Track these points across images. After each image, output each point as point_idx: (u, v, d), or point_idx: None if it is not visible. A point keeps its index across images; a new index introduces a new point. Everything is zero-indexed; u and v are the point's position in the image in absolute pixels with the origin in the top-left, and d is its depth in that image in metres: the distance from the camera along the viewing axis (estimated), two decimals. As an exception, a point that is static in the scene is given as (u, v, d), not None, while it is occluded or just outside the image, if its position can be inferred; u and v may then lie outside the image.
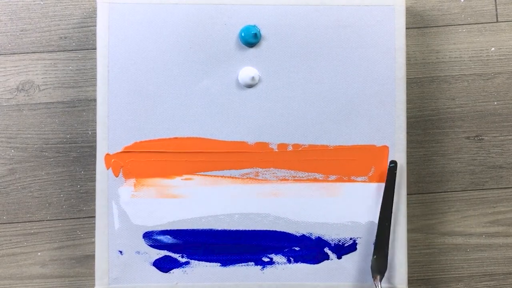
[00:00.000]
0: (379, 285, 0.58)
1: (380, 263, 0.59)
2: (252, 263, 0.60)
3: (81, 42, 0.63)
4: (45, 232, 0.63)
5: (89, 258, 0.63)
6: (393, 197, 0.59)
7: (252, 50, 0.60)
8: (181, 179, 0.59)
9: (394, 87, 0.60)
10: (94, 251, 0.59)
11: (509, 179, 0.64)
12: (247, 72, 0.59)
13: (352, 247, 0.60)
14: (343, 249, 0.60)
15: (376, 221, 0.59)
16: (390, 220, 0.59)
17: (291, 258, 0.60)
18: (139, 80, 0.59)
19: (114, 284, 0.59)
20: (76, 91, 0.63)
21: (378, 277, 0.58)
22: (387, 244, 0.59)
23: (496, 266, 0.64)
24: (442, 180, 0.64)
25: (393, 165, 0.59)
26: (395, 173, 0.59)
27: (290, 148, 0.60)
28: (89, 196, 0.63)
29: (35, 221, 0.63)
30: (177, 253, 0.59)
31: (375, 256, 0.59)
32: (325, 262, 0.60)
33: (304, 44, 0.60)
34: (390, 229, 0.59)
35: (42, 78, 0.63)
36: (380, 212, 0.59)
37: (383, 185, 0.59)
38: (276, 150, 0.60)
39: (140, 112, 0.59)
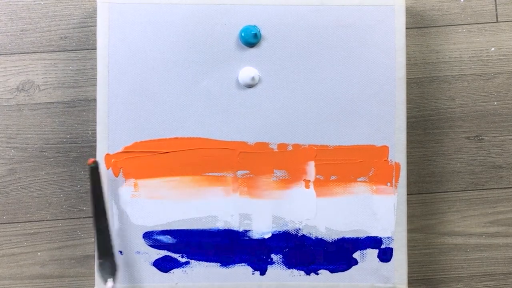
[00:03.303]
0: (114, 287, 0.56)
1: (108, 265, 0.57)
2: (252, 263, 0.60)
3: (81, 42, 0.63)
4: (45, 232, 0.63)
5: (89, 258, 0.62)
6: (103, 196, 0.57)
7: (252, 50, 0.60)
8: (181, 179, 0.59)
9: (394, 87, 0.60)
10: (94, 251, 0.59)
11: (509, 179, 0.64)
12: (247, 72, 0.59)
13: (353, 247, 0.60)
14: (343, 249, 0.60)
15: (376, 220, 0.59)
16: (107, 220, 0.57)
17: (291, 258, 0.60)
18: (139, 80, 0.59)
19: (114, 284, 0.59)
20: (76, 91, 0.63)
21: (112, 279, 0.57)
22: (110, 245, 0.57)
23: (496, 266, 0.64)
24: (442, 180, 0.64)
25: (94, 165, 0.56)
26: (99, 173, 0.56)
27: (290, 148, 0.60)
28: (89, 196, 0.63)
29: (35, 221, 0.63)
30: (177, 253, 0.59)
31: (101, 260, 0.57)
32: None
33: (304, 44, 0.60)
34: (110, 229, 0.57)
35: (42, 78, 0.63)
36: (94, 214, 0.57)
37: (383, 185, 0.59)
38: (276, 150, 0.60)
39: (140, 112, 0.59)
